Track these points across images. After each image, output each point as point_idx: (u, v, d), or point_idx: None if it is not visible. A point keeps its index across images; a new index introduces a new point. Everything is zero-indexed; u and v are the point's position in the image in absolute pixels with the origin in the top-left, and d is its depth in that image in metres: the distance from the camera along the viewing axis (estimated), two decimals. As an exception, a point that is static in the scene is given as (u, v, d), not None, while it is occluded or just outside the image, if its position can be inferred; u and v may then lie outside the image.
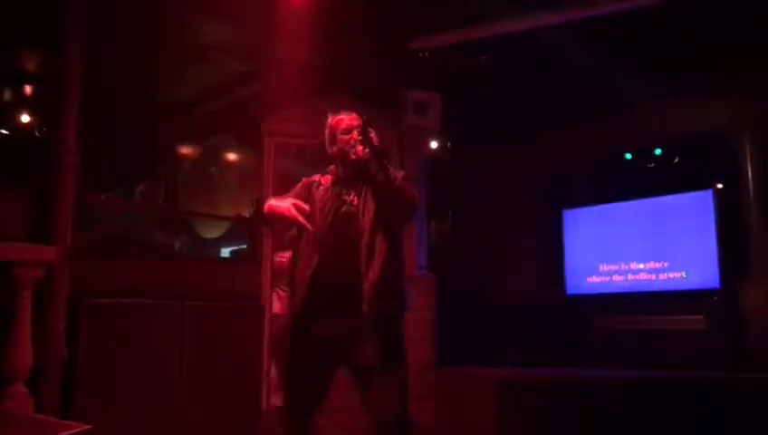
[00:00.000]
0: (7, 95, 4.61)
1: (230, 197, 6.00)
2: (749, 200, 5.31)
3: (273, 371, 4.80)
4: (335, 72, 5.02)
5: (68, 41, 3.61)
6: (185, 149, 5.92)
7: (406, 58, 5.29)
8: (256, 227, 5.04)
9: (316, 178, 2.59)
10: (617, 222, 5.96)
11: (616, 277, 5.88)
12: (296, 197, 2.52)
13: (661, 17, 4.64)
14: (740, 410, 4.22)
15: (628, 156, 6.26)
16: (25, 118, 4.56)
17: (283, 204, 2.39)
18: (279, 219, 2.40)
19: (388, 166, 2.39)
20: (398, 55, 5.29)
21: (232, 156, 6.10)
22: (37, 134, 4.52)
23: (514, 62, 5.35)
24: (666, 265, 5.57)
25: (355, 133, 2.46)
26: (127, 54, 4.69)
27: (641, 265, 5.72)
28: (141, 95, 5.26)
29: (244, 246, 5.61)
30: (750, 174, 5.30)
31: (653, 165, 6.09)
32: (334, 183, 2.52)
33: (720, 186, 5.59)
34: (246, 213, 5.68)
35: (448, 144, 6.49)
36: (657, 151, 6.07)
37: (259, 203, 5.22)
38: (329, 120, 2.59)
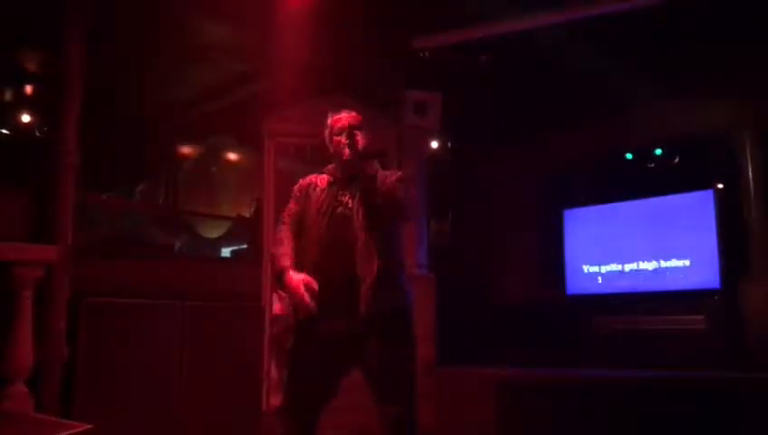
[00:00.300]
0: (8, 95, 4.61)
1: (230, 197, 6.01)
2: (749, 200, 5.31)
3: (274, 371, 4.80)
4: (335, 71, 5.02)
5: (68, 41, 3.61)
6: (185, 149, 5.93)
7: (406, 58, 5.29)
8: (256, 227, 5.05)
9: (312, 178, 2.58)
10: (617, 222, 5.96)
11: (616, 277, 5.88)
12: (297, 204, 2.53)
13: (661, 17, 4.63)
14: (740, 410, 4.21)
15: (629, 156, 6.26)
16: (26, 118, 4.57)
17: (296, 277, 2.32)
18: (289, 292, 2.37)
19: (376, 171, 2.37)
20: (399, 55, 5.28)
21: (232, 156, 6.10)
22: (37, 134, 4.52)
23: (514, 62, 5.35)
24: (666, 264, 5.57)
25: (344, 136, 2.46)
26: (127, 54, 4.70)
27: (642, 265, 5.72)
28: (141, 95, 5.26)
29: (245, 246, 5.62)
30: (750, 174, 5.30)
31: (653, 165, 6.10)
32: (331, 184, 2.51)
33: (720, 186, 5.59)
34: (247, 213, 5.68)
35: (448, 144, 6.50)
36: (658, 151, 6.07)
37: (259, 205, 5.22)
38: (329, 118, 2.59)
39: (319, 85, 4.82)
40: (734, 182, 5.44)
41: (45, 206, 3.51)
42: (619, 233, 5.91)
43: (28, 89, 4.57)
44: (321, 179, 2.55)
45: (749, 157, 5.32)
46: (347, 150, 2.44)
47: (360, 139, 2.46)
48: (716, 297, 5.21)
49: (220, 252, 5.94)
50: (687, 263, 5.44)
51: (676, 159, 5.98)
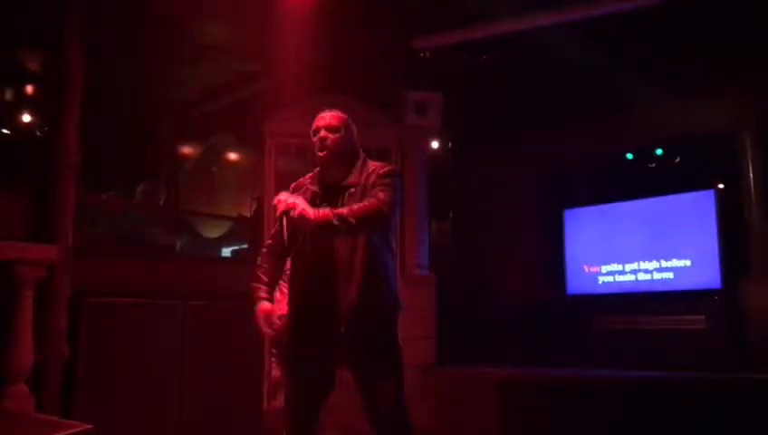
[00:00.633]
0: (8, 95, 4.61)
1: (231, 196, 6.01)
2: (750, 200, 5.30)
3: (276, 371, 4.80)
4: (336, 72, 5.02)
5: (68, 41, 3.61)
6: (185, 149, 5.93)
7: (407, 58, 5.30)
8: (257, 226, 5.05)
9: (306, 181, 2.56)
10: (618, 222, 5.96)
11: (617, 277, 5.88)
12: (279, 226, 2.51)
13: (661, 17, 4.64)
14: (740, 410, 4.21)
15: (629, 156, 6.26)
16: (26, 117, 4.57)
17: (262, 308, 2.52)
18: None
19: (343, 223, 2.23)
20: (399, 55, 5.29)
21: (233, 155, 6.10)
22: (38, 134, 4.52)
23: (514, 61, 5.35)
24: (666, 264, 5.57)
25: (316, 138, 2.44)
26: (127, 54, 4.70)
27: (642, 265, 5.72)
28: (141, 95, 5.27)
29: (245, 246, 5.62)
30: (751, 174, 5.30)
31: (654, 165, 6.09)
32: (313, 195, 2.46)
33: (721, 186, 5.59)
34: (247, 213, 5.68)
35: (449, 144, 6.50)
36: (658, 151, 6.07)
37: (260, 205, 5.22)
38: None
39: (319, 85, 4.83)
40: (735, 182, 5.43)
41: (46, 206, 3.52)
42: (620, 233, 5.90)
43: (28, 89, 4.57)
44: (308, 187, 2.51)
45: (749, 157, 5.32)
46: (319, 153, 2.42)
47: (331, 140, 2.42)
48: (717, 297, 5.21)
49: (220, 252, 5.94)
50: (688, 263, 5.44)
51: (677, 159, 5.97)
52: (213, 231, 5.75)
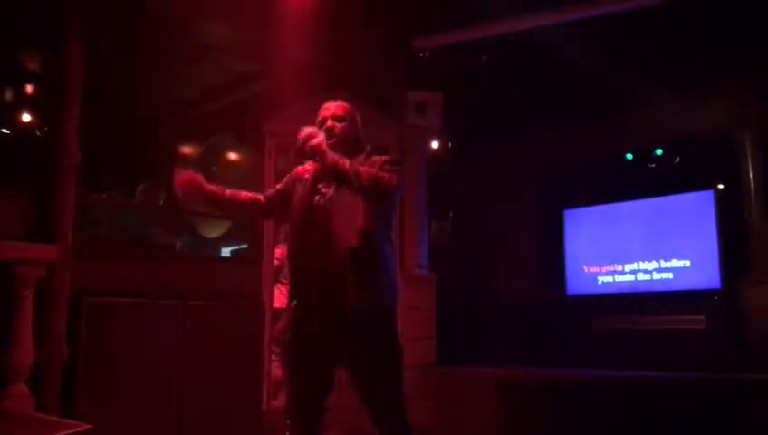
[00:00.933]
0: (8, 95, 4.61)
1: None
2: (750, 200, 5.30)
3: (277, 370, 4.80)
4: (336, 71, 5.02)
5: (68, 41, 3.60)
6: (185, 149, 5.93)
7: (407, 58, 5.29)
8: (256, 227, 5.05)
9: (300, 169, 2.58)
10: (618, 222, 5.96)
11: (616, 277, 5.88)
12: (284, 186, 2.61)
13: (661, 17, 4.64)
14: (740, 410, 4.21)
15: (629, 156, 6.26)
16: (26, 117, 4.57)
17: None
18: None
19: (354, 174, 2.30)
20: (399, 55, 5.29)
21: (233, 155, 6.10)
22: (38, 134, 4.52)
23: (515, 62, 5.35)
24: (666, 265, 5.57)
25: (323, 127, 2.48)
26: (127, 54, 4.70)
27: (642, 266, 5.72)
28: (141, 95, 5.27)
29: (245, 246, 5.62)
30: (751, 174, 5.30)
31: (653, 165, 6.10)
32: (314, 176, 2.49)
33: (721, 186, 5.59)
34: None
35: (449, 144, 6.50)
36: (658, 152, 6.07)
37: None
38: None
39: (319, 85, 4.82)
40: (735, 182, 5.43)
41: (45, 205, 3.51)
42: (620, 233, 5.91)
43: (28, 89, 4.57)
44: (307, 172, 2.54)
45: (749, 157, 5.32)
46: (327, 141, 2.43)
47: (339, 129, 2.46)
48: (717, 297, 5.20)
49: (220, 252, 5.94)
50: (688, 263, 5.44)
51: (677, 160, 5.98)
52: (212, 231, 5.75)
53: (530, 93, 5.65)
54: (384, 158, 2.47)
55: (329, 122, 2.49)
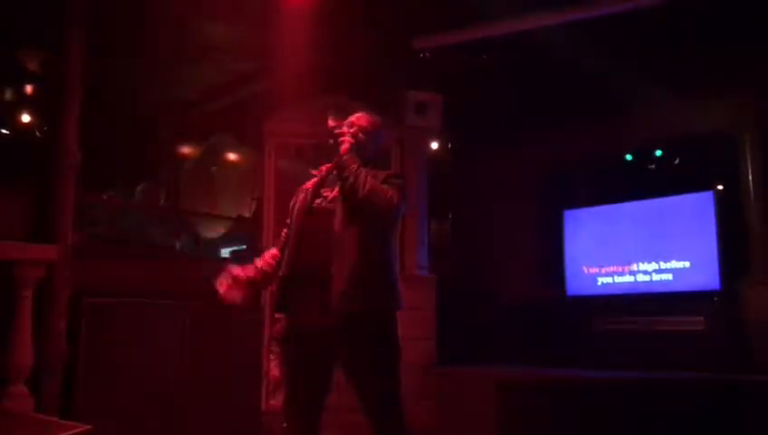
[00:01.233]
0: (8, 95, 4.62)
1: (231, 196, 6.01)
2: (749, 201, 5.30)
3: (275, 370, 4.80)
4: (336, 72, 5.02)
5: (68, 41, 3.61)
6: (185, 149, 5.93)
7: (407, 58, 5.29)
8: (256, 227, 5.05)
9: (306, 185, 2.58)
10: (617, 223, 5.96)
11: (616, 278, 5.88)
12: (290, 214, 2.57)
13: (661, 17, 4.63)
14: (740, 410, 4.22)
15: (629, 157, 6.26)
16: (26, 118, 4.57)
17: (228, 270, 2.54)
18: None
19: (355, 174, 2.31)
20: (399, 55, 5.28)
21: (232, 156, 6.10)
22: (37, 134, 4.52)
23: (515, 62, 5.35)
24: (666, 266, 5.57)
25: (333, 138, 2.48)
26: (127, 54, 4.70)
27: (641, 266, 5.72)
28: (141, 95, 5.26)
29: (244, 247, 5.61)
30: (750, 175, 5.30)
31: (653, 166, 6.09)
32: (316, 183, 2.52)
33: (720, 187, 5.59)
34: (247, 213, 5.68)
35: (449, 144, 6.50)
36: (658, 152, 6.07)
37: (259, 205, 5.22)
38: None
39: (319, 85, 4.83)
40: (734, 183, 5.42)
41: (45, 206, 3.51)
42: (619, 234, 5.91)
43: (28, 89, 4.57)
44: (310, 183, 2.56)
45: (749, 157, 5.31)
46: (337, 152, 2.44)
47: (344, 142, 2.44)
48: (716, 298, 5.21)
49: (220, 252, 5.93)
50: (687, 264, 5.44)
51: (676, 161, 5.97)
52: (212, 231, 5.75)
53: (530, 93, 5.64)
54: (389, 172, 2.48)
55: (332, 134, 2.49)
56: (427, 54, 5.29)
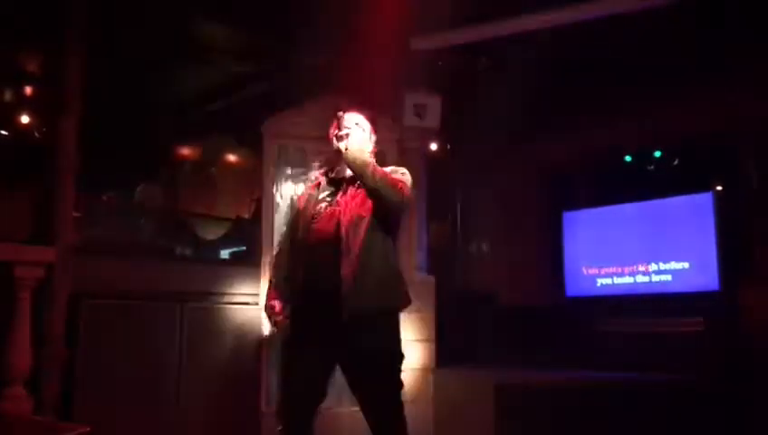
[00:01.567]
0: (7, 95, 4.61)
1: (230, 198, 6.00)
2: (749, 202, 5.30)
3: (273, 371, 4.80)
4: (335, 72, 5.01)
5: (68, 41, 3.60)
6: (185, 150, 5.93)
7: (406, 58, 5.28)
8: (255, 228, 5.04)
9: (311, 187, 2.59)
10: (617, 224, 5.96)
11: (615, 279, 5.88)
12: (297, 212, 2.57)
13: (661, 17, 4.63)
14: (740, 410, 4.22)
15: (628, 158, 6.25)
16: (25, 118, 4.57)
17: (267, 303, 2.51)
18: None
19: (364, 166, 2.37)
20: (399, 55, 5.28)
21: (232, 157, 6.10)
22: (37, 135, 4.52)
23: (514, 62, 5.34)
24: (665, 267, 5.57)
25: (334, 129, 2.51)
26: (127, 54, 4.69)
27: (641, 267, 5.71)
28: (141, 95, 5.26)
29: (243, 248, 5.61)
30: (750, 176, 5.30)
31: (653, 167, 6.09)
32: (320, 184, 2.55)
33: (720, 188, 5.58)
34: (246, 214, 5.68)
35: (448, 145, 6.49)
36: (657, 154, 6.07)
37: (259, 206, 5.22)
38: None
39: (319, 86, 4.82)
40: (734, 184, 5.43)
41: (45, 206, 3.51)
42: (619, 235, 5.90)
43: (28, 89, 4.56)
44: (314, 185, 2.58)
45: (749, 158, 5.31)
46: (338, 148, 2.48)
47: (348, 137, 2.47)
48: (715, 299, 5.20)
49: (219, 253, 5.93)
50: (686, 265, 5.44)
51: (676, 162, 5.97)
52: (211, 232, 5.74)
53: (530, 94, 5.64)
54: (395, 168, 2.54)
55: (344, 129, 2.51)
56: (427, 54, 5.28)
